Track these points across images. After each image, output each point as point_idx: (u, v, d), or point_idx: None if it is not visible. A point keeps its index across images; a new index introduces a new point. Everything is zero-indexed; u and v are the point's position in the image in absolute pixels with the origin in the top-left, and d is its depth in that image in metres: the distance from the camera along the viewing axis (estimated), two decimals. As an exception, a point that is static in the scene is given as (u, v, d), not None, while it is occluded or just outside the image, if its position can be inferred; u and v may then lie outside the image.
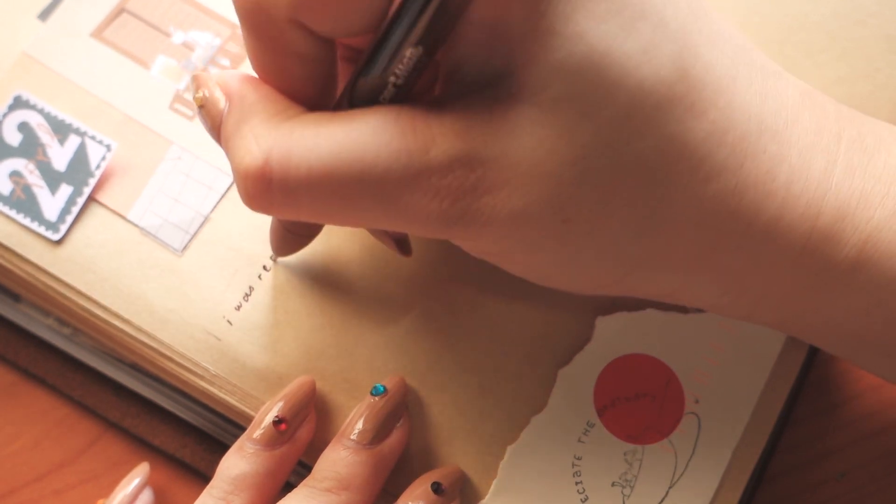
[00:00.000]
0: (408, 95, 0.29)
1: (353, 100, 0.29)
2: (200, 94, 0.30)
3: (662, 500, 0.36)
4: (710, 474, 0.36)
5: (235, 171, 0.28)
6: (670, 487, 0.36)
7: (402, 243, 0.36)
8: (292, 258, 0.38)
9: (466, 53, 0.28)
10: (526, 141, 0.27)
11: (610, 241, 0.29)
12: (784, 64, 0.39)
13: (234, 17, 0.41)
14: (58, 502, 0.41)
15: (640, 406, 0.37)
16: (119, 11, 0.41)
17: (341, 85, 0.31)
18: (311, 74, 0.30)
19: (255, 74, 0.30)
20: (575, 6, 0.26)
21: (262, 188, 0.28)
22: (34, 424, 0.42)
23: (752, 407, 0.37)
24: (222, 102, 0.30)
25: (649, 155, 0.27)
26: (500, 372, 0.37)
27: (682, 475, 0.36)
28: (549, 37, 0.26)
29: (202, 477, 0.40)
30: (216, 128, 0.30)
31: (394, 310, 0.38)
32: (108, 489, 0.40)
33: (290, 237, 0.36)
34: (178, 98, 0.40)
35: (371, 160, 0.27)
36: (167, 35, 0.41)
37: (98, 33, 0.41)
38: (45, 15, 0.41)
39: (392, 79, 0.28)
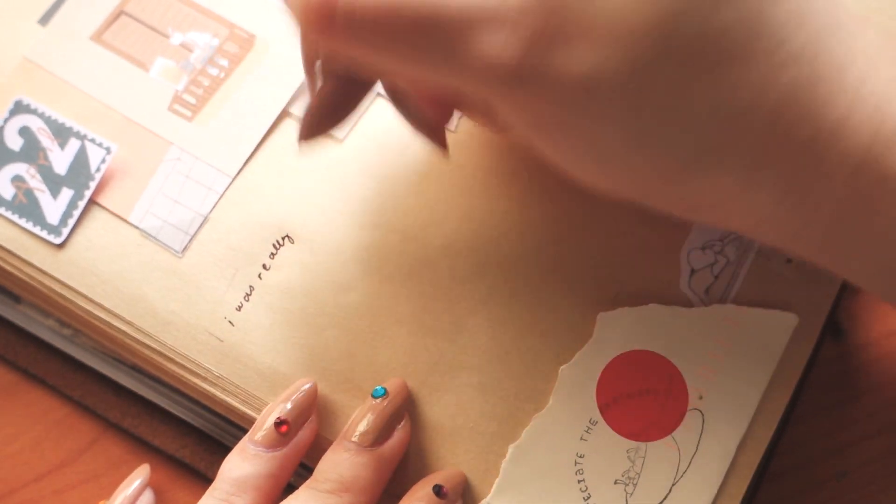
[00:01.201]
0: None
1: None
2: None
3: (665, 498, 0.36)
4: (713, 471, 0.36)
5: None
6: (673, 485, 0.36)
7: (439, 136, 0.34)
8: (288, 267, 0.38)
9: None
10: None
11: (680, 122, 0.27)
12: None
13: (231, 18, 0.41)
14: (58, 502, 0.41)
15: (642, 403, 0.37)
16: (118, 14, 0.41)
17: None
18: None
19: None
20: None
21: (325, 14, 0.26)
22: (34, 424, 0.42)
23: (757, 403, 0.36)
24: None
25: (734, 27, 0.26)
26: (501, 370, 0.37)
27: (685, 472, 0.36)
28: None
29: (202, 477, 0.40)
30: None
31: (395, 310, 0.38)
32: (108, 489, 0.40)
33: (322, 120, 0.34)
34: (177, 99, 0.40)
35: None
36: (166, 36, 0.41)
37: (97, 36, 0.41)
38: (45, 19, 0.41)
39: None
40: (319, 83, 0.33)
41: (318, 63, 0.32)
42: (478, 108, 0.34)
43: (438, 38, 0.26)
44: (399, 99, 0.34)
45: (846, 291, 0.39)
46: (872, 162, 0.29)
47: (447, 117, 0.35)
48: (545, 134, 0.29)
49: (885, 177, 0.29)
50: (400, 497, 0.36)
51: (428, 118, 0.34)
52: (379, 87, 0.39)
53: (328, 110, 0.33)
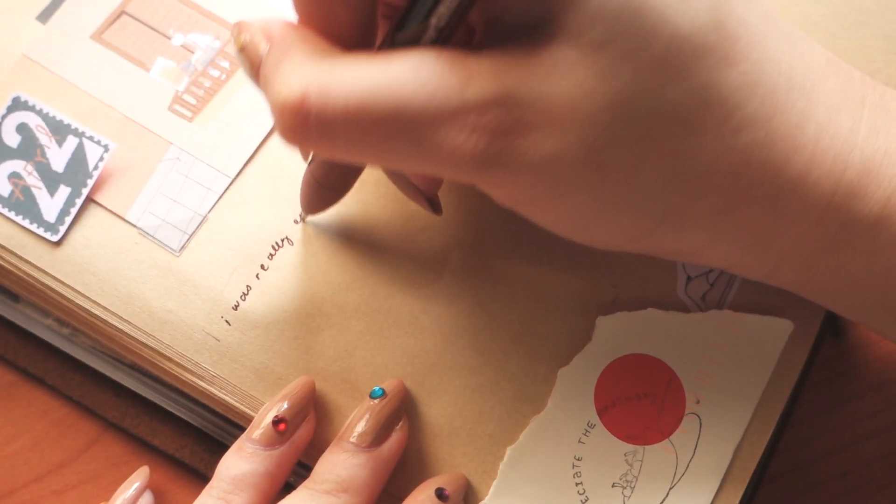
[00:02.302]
0: (447, 42, 0.29)
1: (395, 42, 0.29)
2: (242, 38, 0.31)
3: (663, 501, 0.36)
4: (711, 475, 0.36)
5: (273, 103, 0.29)
6: (671, 488, 0.36)
7: (433, 202, 0.36)
8: (289, 269, 0.38)
9: (506, 3, 0.28)
10: (564, 83, 0.27)
11: (641, 191, 0.29)
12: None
13: (233, 20, 0.41)
14: (57, 502, 0.41)
15: (640, 406, 0.37)
16: (119, 14, 0.41)
17: (382, 32, 0.32)
18: (354, 18, 0.30)
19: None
20: None
21: (299, 121, 0.28)
22: (34, 424, 0.42)
23: (754, 407, 0.37)
24: (263, 45, 0.30)
25: (684, 101, 0.28)
26: (499, 372, 0.37)
27: (682, 476, 0.36)
28: None
29: (202, 477, 0.40)
30: (255, 69, 0.30)
31: (393, 311, 0.38)
32: (108, 489, 0.40)
33: (321, 192, 0.36)
34: (177, 99, 0.40)
35: (408, 97, 0.27)
36: (167, 37, 0.41)
37: (98, 35, 0.41)
38: (44, 17, 0.41)
39: (434, 21, 0.28)
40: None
41: None
42: (460, 182, 0.36)
43: (405, 135, 0.28)
44: (391, 172, 0.37)
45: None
46: (836, 209, 0.30)
47: (437, 186, 0.37)
48: (521, 207, 0.31)
49: (849, 221, 0.30)
50: (398, 497, 0.36)
51: (419, 189, 0.36)
52: None
53: (321, 187, 0.36)
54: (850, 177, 0.30)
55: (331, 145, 0.29)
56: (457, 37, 0.29)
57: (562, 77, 0.27)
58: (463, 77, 0.27)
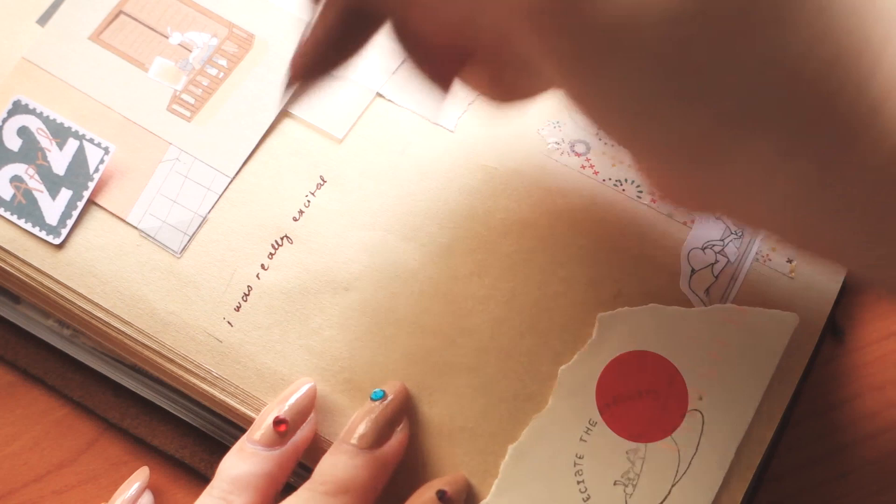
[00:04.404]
0: None
1: None
2: None
3: (665, 499, 0.36)
4: (713, 472, 0.36)
5: None
6: (673, 486, 0.36)
7: (445, 80, 0.31)
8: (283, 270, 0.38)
9: None
10: None
11: (729, 75, 0.25)
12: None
13: (231, 17, 0.41)
14: (57, 502, 0.41)
15: (642, 404, 0.37)
16: (117, 14, 0.41)
17: None
18: None
19: None
20: None
21: None
22: (34, 425, 0.42)
23: (757, 403, 0.36)
24: None
25: None
26: (500, 371, 0.37)
27: (685, 473, 0.36)
28: None
29: (202, 477, 0.40)
30: None
31: (394, 311, 0.38)
32: (108, 489, 0.40)
33: (319, 51, 0.31)
34: (175, 99, 0.40)
35: None
36: (165, 36, 0.41)
37: (96, 36, 0.41)
38: (43, 19, 0.41)
39: None
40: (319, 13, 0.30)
41: None
42: (494, 54, 0.31)
43: None
44: (408, 41, 0.31)
45: (846, 292, 0.39)
46: None
47: (456, 68, 0.32)
48: (576, 77, 0.26)
49: None
50: (399, 498, 0.36)
51: (436, 63, 0.31)
52: (378, 86, 0.38)
53: (326, 45, 0.30)
54: None
55: None
56: None
57: None
58: None
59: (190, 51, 0.41)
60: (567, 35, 0.25)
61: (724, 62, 0.25)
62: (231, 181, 0.39)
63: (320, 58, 0.30)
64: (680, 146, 0.27)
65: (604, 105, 0.26)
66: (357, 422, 0.36)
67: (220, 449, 0.40)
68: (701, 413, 0.36)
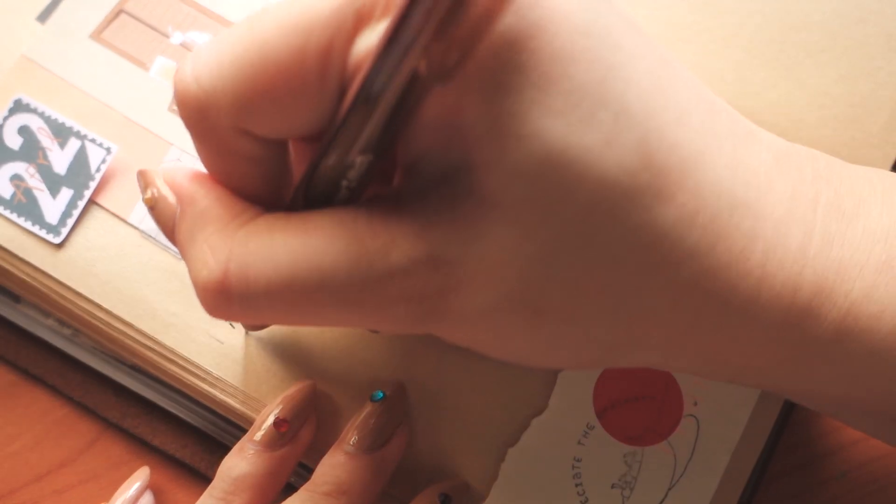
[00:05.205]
0: (363, 192, 0.28)
1: (308, 199, 0.28)
2: (150, 194, 0.29)
3: (661, 502, 0.36)
4: (708, 476, 0.36)
5: (194, 282, 0.28)
6: (669, 489, 0.36)
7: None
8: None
9: (423, 150, 0.27)
10: (488, 241, 0.26)
11: (584, 328, 0.28)
12: (785, 63, 0.39)
13: (232, 17, 0.41)
14: (58, 502, 0.41)
15: (639, 408, 0.37)
16: (118, 12, 0.41)
17: (297, 174, 0.30)
18: (262, 174, 0.29)
19: (203, 171, 0.30)
20: (531, 103, 0.25)
21: (222, 301, 0.27)
22: (34, 424, 0.42)
23: (751, 409, 0.37)
24: (172, 200, 0.29)
25: (616, 246, 0.26)
26: (500, 374, 0.37)
27: (681, 477, 0.36)
28: (505, 139, 0.25)
29: (202, 477, 0.41)
30: (170, 230, 0.29)
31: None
32: (108, 489, 0.40)
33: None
34: (177, 100, 0.40)
35: (330, 268, 0.26)
36: (166, 36, 0.41)
37: (97, 35, 0.41)
38: (43, 17, 0.41)
39: (344, 183, 0.27)
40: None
41: None
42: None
43: (333, 303, 0.27)
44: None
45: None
46: (789, 331, 0.29)
47: None
48: (473, 348, 0.30)
49: (805, 340, 0.29)
50: (399, 500, 0.37)
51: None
52: None
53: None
54: (802, 299, 0.28)
55: (257, 316, 0.28)
56: (380, 170, 0.28)
57: (485, 236, 0.26)
58: (385, 240, 0.26)
59: (191, 51, 0.40)
60: (448, 331, 0.28)
61: (581, 316, 0.28)
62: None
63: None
64: (578, 365, 0.30)
65: (496, 356, 0.30)
66: (357, 423, 0.36)
67: (220, 449, 0.40)
68: (696, 418, 0.37)
